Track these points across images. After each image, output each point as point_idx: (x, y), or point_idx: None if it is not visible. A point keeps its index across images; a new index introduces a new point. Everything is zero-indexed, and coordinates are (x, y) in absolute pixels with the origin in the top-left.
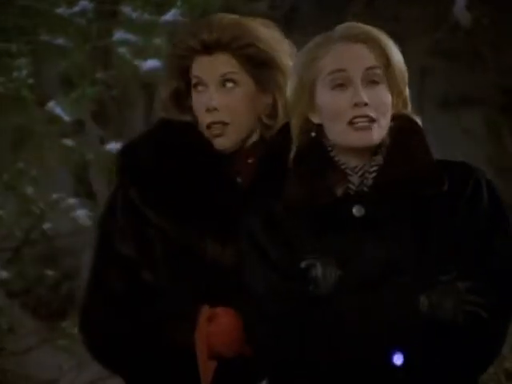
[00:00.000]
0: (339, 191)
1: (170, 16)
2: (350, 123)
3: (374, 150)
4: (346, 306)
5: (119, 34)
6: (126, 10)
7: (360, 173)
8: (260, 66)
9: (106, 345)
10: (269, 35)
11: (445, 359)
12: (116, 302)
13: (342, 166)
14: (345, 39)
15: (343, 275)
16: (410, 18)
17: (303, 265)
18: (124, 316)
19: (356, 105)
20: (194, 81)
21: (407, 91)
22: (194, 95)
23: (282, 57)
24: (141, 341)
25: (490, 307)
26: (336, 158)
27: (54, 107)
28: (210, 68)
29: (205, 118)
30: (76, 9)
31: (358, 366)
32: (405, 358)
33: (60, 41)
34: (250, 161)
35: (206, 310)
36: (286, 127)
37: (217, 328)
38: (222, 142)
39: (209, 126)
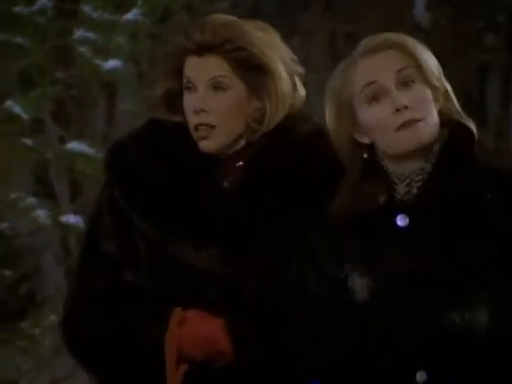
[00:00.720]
0: (382, 199)
1: (130, 15)
2: (398, 129)
3: (424, 157)
4: (373, 316)
5: (80, 33)
6: (87, 8)
7: (407, 181)
8: (252, 69)
9: (85, 343)
10: (262, 39)
11: (475, 378)
12: (97, 300)
13: (391, 175)
14: (367, 54)
15: (375, 284)
16: (370, 19)
17: (341, 274)
18: (103, 315)
19: (398, 110)
20: (184, 81)
21: (446, 85)
22: (185, 95)
23: (274, 62)
24: (119, 341)
25: None
26: (385, 167)
27: (13, 106)
28: (200, 69)
29: (192, 119)
30: (35, 7)
31: (381, 379)
32: (428, 375)
33: (19, 39)
34: (238, 164)
35: (177, 313)
36: (275, 130)
37: (186, 331)
38: (208, 145)
39: (196, 128)
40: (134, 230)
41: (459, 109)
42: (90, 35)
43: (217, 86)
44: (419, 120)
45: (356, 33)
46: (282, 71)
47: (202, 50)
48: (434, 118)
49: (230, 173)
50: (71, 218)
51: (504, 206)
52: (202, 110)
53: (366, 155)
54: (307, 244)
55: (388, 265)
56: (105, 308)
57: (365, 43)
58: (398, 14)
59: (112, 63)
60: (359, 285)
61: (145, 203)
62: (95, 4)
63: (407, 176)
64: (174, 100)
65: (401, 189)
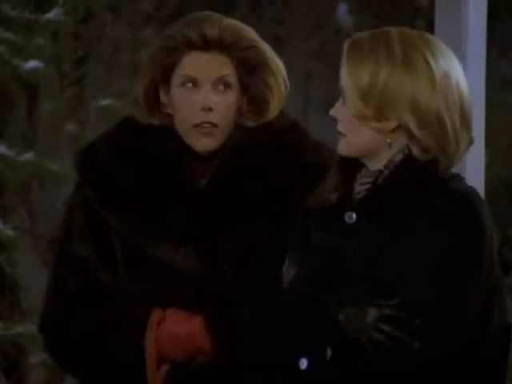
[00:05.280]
0: (334, 198)
1: (52, 15)
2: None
3: (375, 163)
4: (279, 304)
5: None
6: (5, 7)
7: (361, 181)
8: (251, 69)
9: (62, 346)
10: (258, 36)
11: (346, 374)
12: (72, 303)
13: (363, 170)
14: (344, 58)
15: (298, 273)
16: (295, 21)
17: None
18: (79, 318)
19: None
20: (182, 77)
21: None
22: (181, 92)
23: (274, 56)
24: (95, 343)
25: (402, 342)
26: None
27: None
28: (206, 66)
29: (196, 117)
30: None
31: (272, 366)
32: (309, 363)
33: None
34: (215, 161)
35: (156, 313)
36: (258, 128)
37: (166, 330)
38: (209, 143)
39: (198, 125)
40: (108, 230)
41: (437, 128)
42: (9, 35)
43: (224, 85)
44: (343, 135)
45: (281, 35)
46: (281, 64)
47: (209, 45)
48: (358, 136)
49: (208, 170)
50: None
51: (435, 226)
52: (210, 109)
53: None
54: (286, 233)
55: (317, 257)
56: (81, 311)
57: (346, 46)
58: (322, 16)
59: (32, 64)
60: (289, 271)
61: (119, 204)
62: (14, 2)
63: (363, 176)
64: (154, 95)
65: (356, 187)
